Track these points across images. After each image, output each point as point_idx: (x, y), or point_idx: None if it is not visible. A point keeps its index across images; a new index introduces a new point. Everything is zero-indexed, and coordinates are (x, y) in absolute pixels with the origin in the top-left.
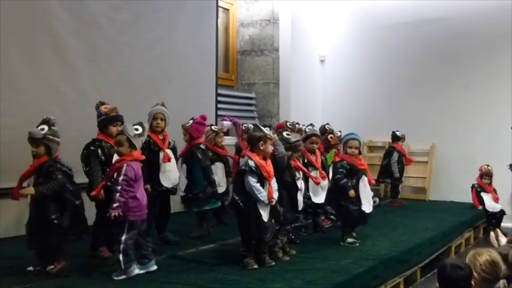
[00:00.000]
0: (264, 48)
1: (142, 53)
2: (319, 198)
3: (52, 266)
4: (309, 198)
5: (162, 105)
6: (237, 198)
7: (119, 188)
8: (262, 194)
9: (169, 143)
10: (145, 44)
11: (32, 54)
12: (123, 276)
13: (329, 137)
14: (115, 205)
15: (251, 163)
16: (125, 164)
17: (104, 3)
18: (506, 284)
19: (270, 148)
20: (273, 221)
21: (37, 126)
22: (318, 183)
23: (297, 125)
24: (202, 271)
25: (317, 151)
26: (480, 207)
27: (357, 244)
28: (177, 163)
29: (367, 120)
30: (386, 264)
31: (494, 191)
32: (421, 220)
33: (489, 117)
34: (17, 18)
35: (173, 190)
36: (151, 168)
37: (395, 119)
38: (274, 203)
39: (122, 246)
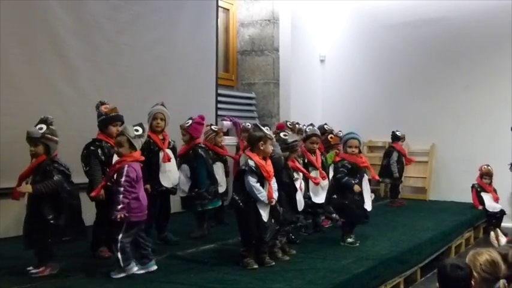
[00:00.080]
0: (264, 48)
1: (142, 53)
2: (320, 198)
3: (35, 270)
4: (309, 198)
5: (162, 105)
6: (237, 198)
7: (122, 189)
8: (262, 194)
9: (169, 143)
10: (145, 44)
11: (32, 54)
12: (122, 275)
13: (329, 137)
14: (119, 207)
15: (251, 163)
16: (126, 165)
17: (104, 3)
18: (506, 284)
19: (270, 148)
20: (272, 221)
21: (35, 126)
22: (317, 184)
23: (297, 125)
24: (202, 271)
25: (317, 151)
26: (480, 207)
27: (357, 244)
28: (176, 163)
29: (367, 120)
30: (386, 264)
31: (495, 191)
32: (421, 220)
33: (489, 117)
34: (17, 18)
35: (173, 190)
36: (151, 168)
37: (395, 119)
38: (274, 203)
39: (119, 244)
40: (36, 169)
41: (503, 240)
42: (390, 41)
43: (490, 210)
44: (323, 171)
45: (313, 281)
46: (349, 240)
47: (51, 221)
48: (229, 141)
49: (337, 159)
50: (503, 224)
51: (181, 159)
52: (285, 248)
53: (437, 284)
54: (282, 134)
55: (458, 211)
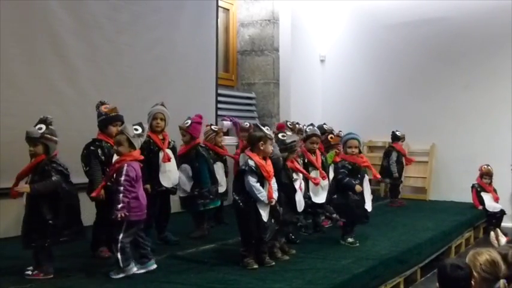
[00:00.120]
0: (264, 48)
1: (142, 53)
2: (320, 198)
3: (30, 272)
4: (310, 198)
5: (162, 105)
6: (237, 198)
7: (122, 188)
8: (262, 193)
9: (169, 142)
10: (145, 44)
11: (32, 54)
12: (121, 275)
13: (329, 137)
14: (120, 206)
15: (251, 163)
16: (126, 164)
17: (104, 3)
18: (506, 284)
19: (270, 148)
20: (272, 220)
21: (34, 126)
22: (316, 184)
23: (297, 125)
24: (202, 271)
25: (317, 151)
26: (480, 207)
27: (357, 244)
28: (177, 163)
29: (367, 120)
30: (386, 264)
31: (495, 190)
32: (421, 220)
33: (489, 117)
34: (17, 18)
35: (173, 190)
36: (151, 168)
37: (395, 119)
38: (274, 202)
39: (119, 244)
40: (34, 169)
41: (503, 240)
42: (390, 41)
43: (490, 210)
44: (323, 171)
45: (313, 281)
46: (349, 240)
47: (50, 221)
48: (229, 141)
49: (338, 159)
50: (503, 224)
51: (181, 159)
52: (285, 248)
53: (437, 284)
54: (280, 135)
55: (458, 211)
